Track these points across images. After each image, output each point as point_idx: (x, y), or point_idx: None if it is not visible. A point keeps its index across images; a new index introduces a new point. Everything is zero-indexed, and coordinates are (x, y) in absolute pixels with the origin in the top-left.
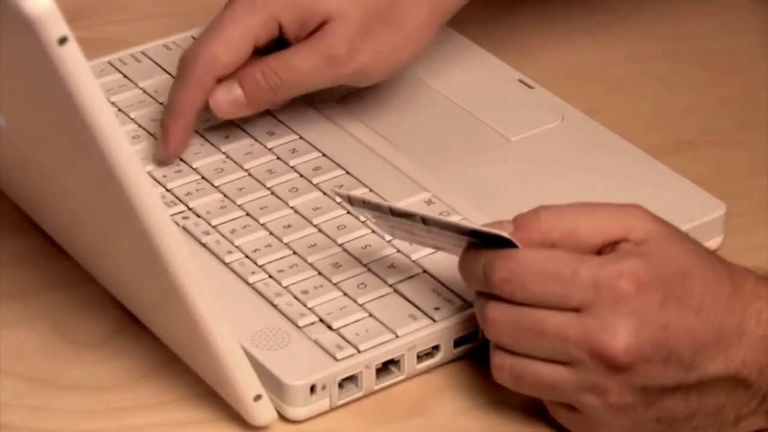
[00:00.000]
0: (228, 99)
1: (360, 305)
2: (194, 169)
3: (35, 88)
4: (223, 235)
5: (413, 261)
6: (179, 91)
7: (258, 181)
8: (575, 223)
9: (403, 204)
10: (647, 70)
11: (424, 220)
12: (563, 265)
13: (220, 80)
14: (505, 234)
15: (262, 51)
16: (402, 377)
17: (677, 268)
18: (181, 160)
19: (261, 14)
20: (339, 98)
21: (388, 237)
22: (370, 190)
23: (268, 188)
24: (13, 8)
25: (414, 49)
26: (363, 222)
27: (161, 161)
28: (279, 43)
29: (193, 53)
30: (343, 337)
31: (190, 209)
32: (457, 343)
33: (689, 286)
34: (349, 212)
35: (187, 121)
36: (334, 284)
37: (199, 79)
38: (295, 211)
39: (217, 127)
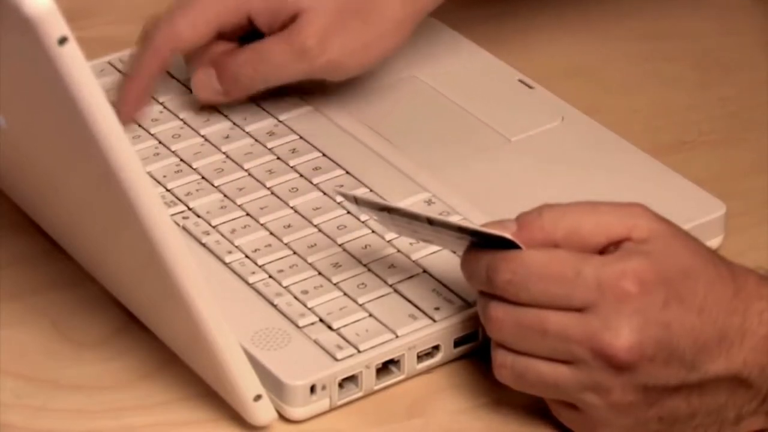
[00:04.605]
0: (206, 85)
1: (360, 305)
2: (194, 169)
3: (35, 88)
4: (223, 235)
5: (413, 261)
6: (137, 57)
7: (258, 181)
8: (578, 222)
9: (403, 204)
10: (647, 70)
11: (427, 221)
12: (566, 265)
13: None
14: (507, 235)
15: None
16: (402, 377)
17: (680, 267)
18: (182, 160)
19: (231, 1)
20: (337, 96)
21: (388, 237)
22: (370, 190)
23: (268, 188)
24: (13, 8)
25: (388, 45)
26: (363, 222)
27: None
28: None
29: (157, 24)
30: (343, 337)
31: (190, 209)
32: (457, 343)
33: (692, 285)
34: (349, 212)
35: (142, 85)
36: (334, 284)
37: (158, 48)
38: (295, 211)
39: (217, 127)
